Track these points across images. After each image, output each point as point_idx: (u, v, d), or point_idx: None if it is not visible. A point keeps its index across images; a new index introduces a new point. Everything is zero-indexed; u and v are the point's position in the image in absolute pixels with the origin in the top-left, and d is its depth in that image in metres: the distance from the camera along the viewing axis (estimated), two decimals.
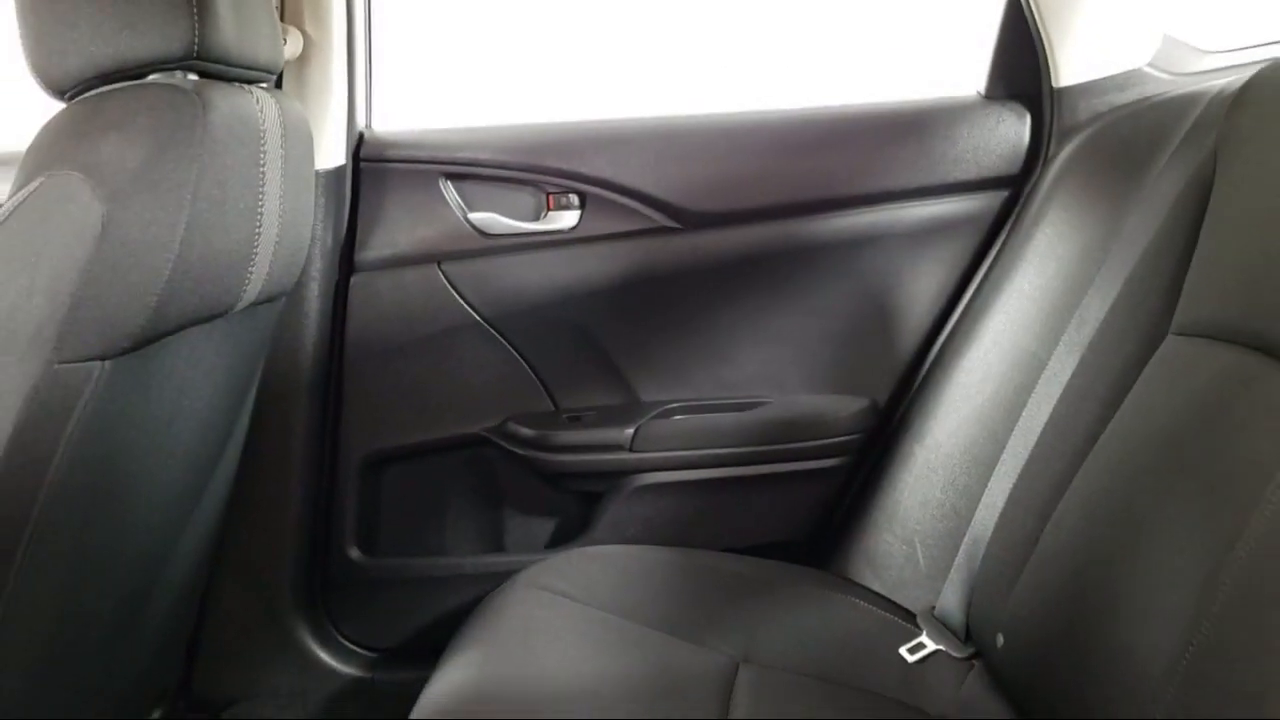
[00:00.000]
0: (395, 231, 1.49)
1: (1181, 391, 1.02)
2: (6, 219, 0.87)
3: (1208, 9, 1.52)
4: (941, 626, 1.28)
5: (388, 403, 1.52)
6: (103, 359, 0.89)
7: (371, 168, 1.48)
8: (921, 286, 1.51)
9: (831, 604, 1.34)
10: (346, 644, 1.56)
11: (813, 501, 1.54)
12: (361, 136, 1.49)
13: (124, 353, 0.91)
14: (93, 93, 0.94)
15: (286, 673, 1.52)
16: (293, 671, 1.52)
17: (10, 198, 0.89)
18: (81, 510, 0.97)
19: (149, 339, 0.93)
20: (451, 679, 1.11)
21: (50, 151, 0.90)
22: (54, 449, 0.90)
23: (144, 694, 1.40)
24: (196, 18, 0.94)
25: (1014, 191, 1.48)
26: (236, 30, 1.00)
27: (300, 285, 1.40)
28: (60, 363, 0.87)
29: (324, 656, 1.53)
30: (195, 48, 0.94)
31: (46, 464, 0.90)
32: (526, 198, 1.50)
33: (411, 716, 1.07)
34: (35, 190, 0.87)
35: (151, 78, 0.95)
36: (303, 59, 1.38)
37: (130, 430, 0.99)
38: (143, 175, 0.88)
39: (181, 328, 0.98)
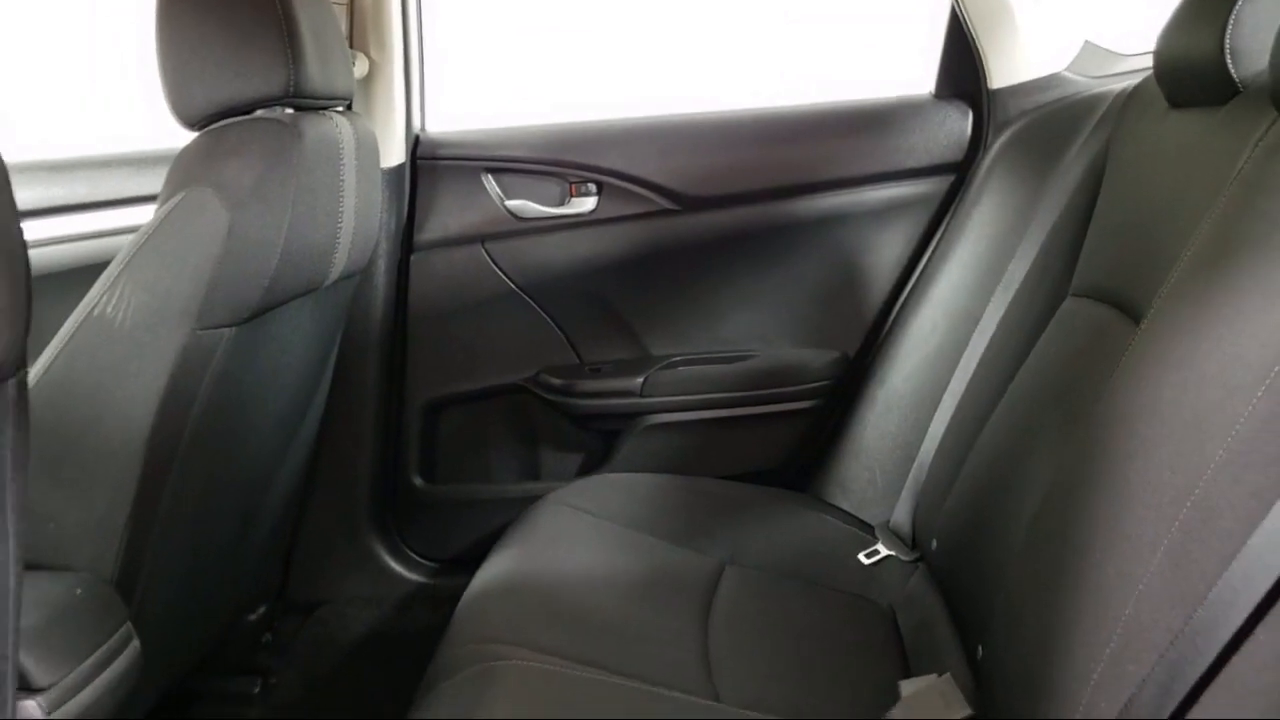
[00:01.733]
0: (446, 217, 1.78)
1: (1067, 341, 1.28)
2: (160, 225, 1.17)
3: (1134, 18, 1.73)
4: (893, 536, 1.55)
5: (443, 358, 1.81)
6: (230, 326, 1.20)
7: (426, 165, 1.77)
8: (883, 257, 1.76)
9: (805, 519, 1.61)
10: (413, 556, 1.86)
11: (792, 436, 1.81)
12: (418, 139, 1.78)
13: (244, 321, 1.21)
14: (215, 125, 1.23)
15: (364, 580, 1.82)
16: (369, 579, 1.82)
17: (159, 209, 1.20)
18: (212, 443, 1.28)
19: (262, 310, 1.24)
20: (492, 572, 1.39)
21: (188, 172, 1.20)
22: (195, 395, 1.20)
23: (252, 595, 1.72)
24: (291, 66, 1.23)
25: (958, 177, 1.72)
26: (320, 71, 1.29)
27: (370, 264, 1.70)
28: (200, 329, 1.17)
29: (395, 566, 1.83)
30: (291, 89, 1.24)
31: (190, 406, 1.20)
32: (553, 187, 1.78)
33: (461, 603, 1.36)
34: (179, 203, 1.17)
35: (258, 113, 1.25)
36: (369, 77, 1.67)
37: (247, 380, 1.30)
38: (257, 190, 1.18)
39: (285, 301, 1.28)
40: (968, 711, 1.13)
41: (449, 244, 1.78)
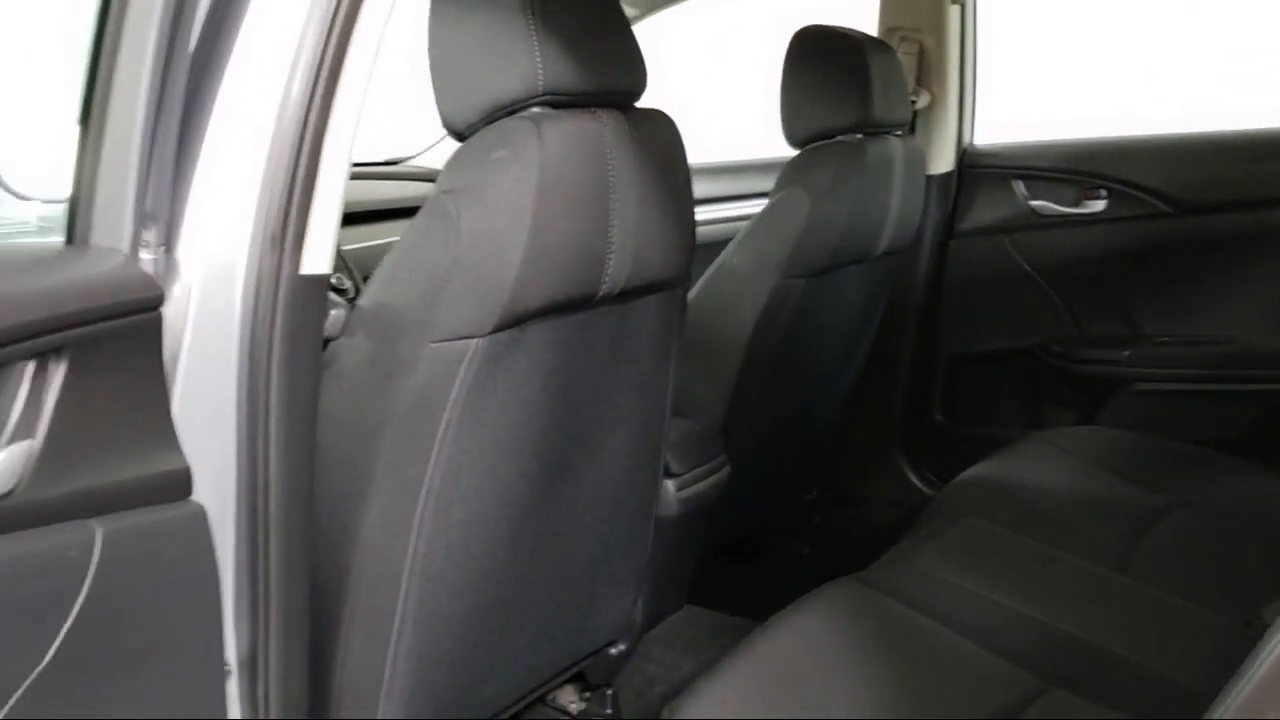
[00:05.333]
0: (980, 212, 2.27)
1: None
2: (768, 210, 1.83)
3: None
4: None
5: (969, 324, 2.31)
6: (804, 277, 1.82)
7: (969, 171, 2.28)
8: None
9: (1258, 482, 1.85)
10: (928, 474, 2.38)
11: (1260, 413, 2.04)
12: (965, 151, 2.29)
13: (813, 275, 1.83)
14: (809, 146, 1.87)
15: (889, 486, 2.39)
16: (894, 487, 2.38)
17: (770, 201, 1.85)
18: (787, 357, 1.90)
19: (826, 269, 1.84)
20: (973, 472, 1.86)
21: (788, 177, 1.84)
22: (778, 323, 1.83)
23: (805, 481, 2.36)
24: (864, 107, 1.82)
25: None
26: (883, 107, 1.86)
27: (917, 245, 2.22)
28: (784, 278, 1.80)
29: (914, 480, 2.37)
30: (861, 121, 1.83)
31: (775, 329, 1.83)
32: (1069, 190, 2.20)
33: (948, 485, 1.84)
34: (781, 197, 1.83)
35: (838, 138, 1.86)
36: (930, 106, 2.22)
37: (812, 319, 1.91)
38: (830, 190, 1.79)
39: (843, 265, 1.88)
40: None
41: (980, 233, 2.28)
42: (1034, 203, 2.23)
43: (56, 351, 0.82)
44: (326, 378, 1.13)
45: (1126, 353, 2.14)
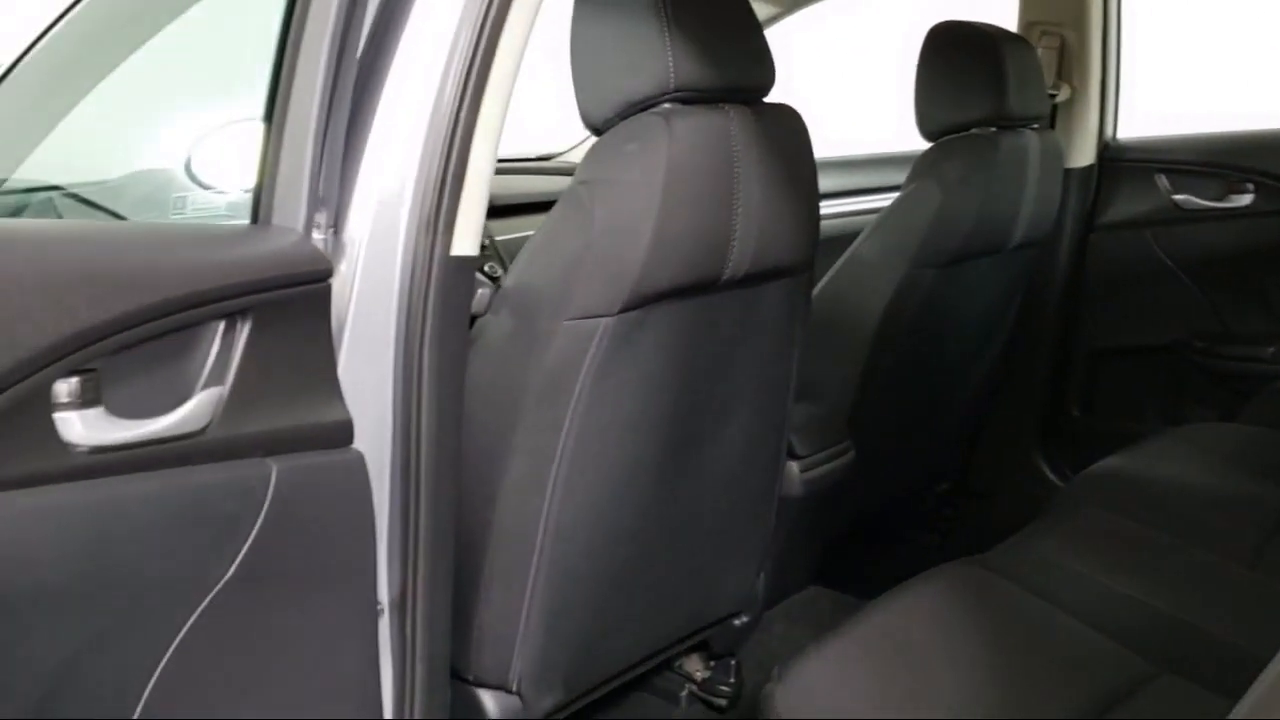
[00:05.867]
0: (1122, 206, 2.25)
1: None
2: (898, 201, 1.87)
3: None
4: None
5: (1108, 318, 2.29)
6: (933, 268, 1.86)
7: (1111, 165, 2.27)
8: None
9: None
10: (1064, 469, 2.36)
11: None
12: (1106, 144, 2.27)
13: (944, 266, 1.86)
14: (942, 139, 1.90)
15: (1025, 480, 2.37)
16: (1029, 481, 2.37)
17: (901, 193, 1.90)
18: (918, 345, 1.94)
19: (955, 261, 1.87)
20: (1103, 465, 1.86)
21: (919, 170, 1.88)
22: (904, 315, 1.87)
23: (936, 473, 2.38)
24: (996, 103, 1.85)
25: None
26: (1019, 101, 1.88)
27: (1056, 238, 2.22)
28: (914, 269, 1.85)
29: (1049, 474, 2.36)
30: (992, 116, 1.86)
31: (902, 322, 1.87)
32: (1214, 184, 2.16)
33: (1079, 475, 1.85)
34: (912, 190, 1.87)
35: (973, 131, 1.89)
36: (1070, 100, 2.22)
37: (942, 309, 1.94)
38: (959, 182, 1.82)
39: (974, 256, 1.90)
40: None
41: (1122, 227, 2.26)
42: (1177, 197, 2.20)
43: (242, 313, 0.96)
44: (473, 350, 1.25)
45: (1271, 349, 2.09)
